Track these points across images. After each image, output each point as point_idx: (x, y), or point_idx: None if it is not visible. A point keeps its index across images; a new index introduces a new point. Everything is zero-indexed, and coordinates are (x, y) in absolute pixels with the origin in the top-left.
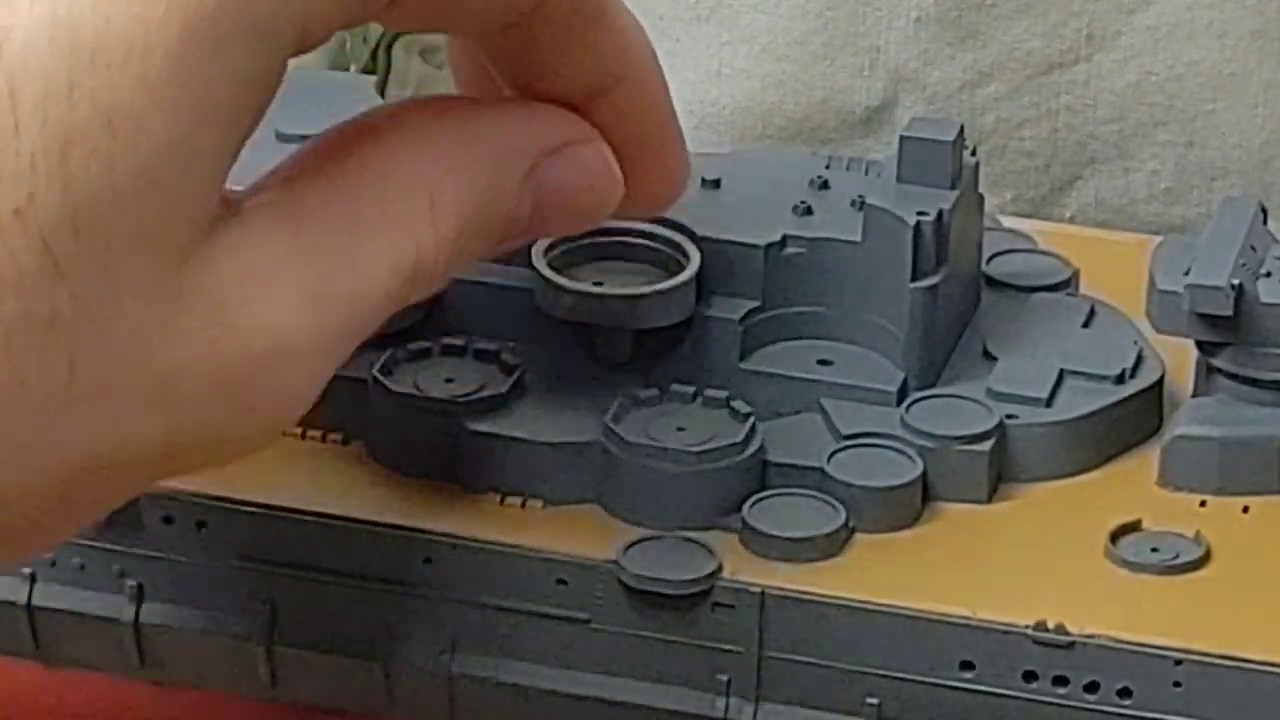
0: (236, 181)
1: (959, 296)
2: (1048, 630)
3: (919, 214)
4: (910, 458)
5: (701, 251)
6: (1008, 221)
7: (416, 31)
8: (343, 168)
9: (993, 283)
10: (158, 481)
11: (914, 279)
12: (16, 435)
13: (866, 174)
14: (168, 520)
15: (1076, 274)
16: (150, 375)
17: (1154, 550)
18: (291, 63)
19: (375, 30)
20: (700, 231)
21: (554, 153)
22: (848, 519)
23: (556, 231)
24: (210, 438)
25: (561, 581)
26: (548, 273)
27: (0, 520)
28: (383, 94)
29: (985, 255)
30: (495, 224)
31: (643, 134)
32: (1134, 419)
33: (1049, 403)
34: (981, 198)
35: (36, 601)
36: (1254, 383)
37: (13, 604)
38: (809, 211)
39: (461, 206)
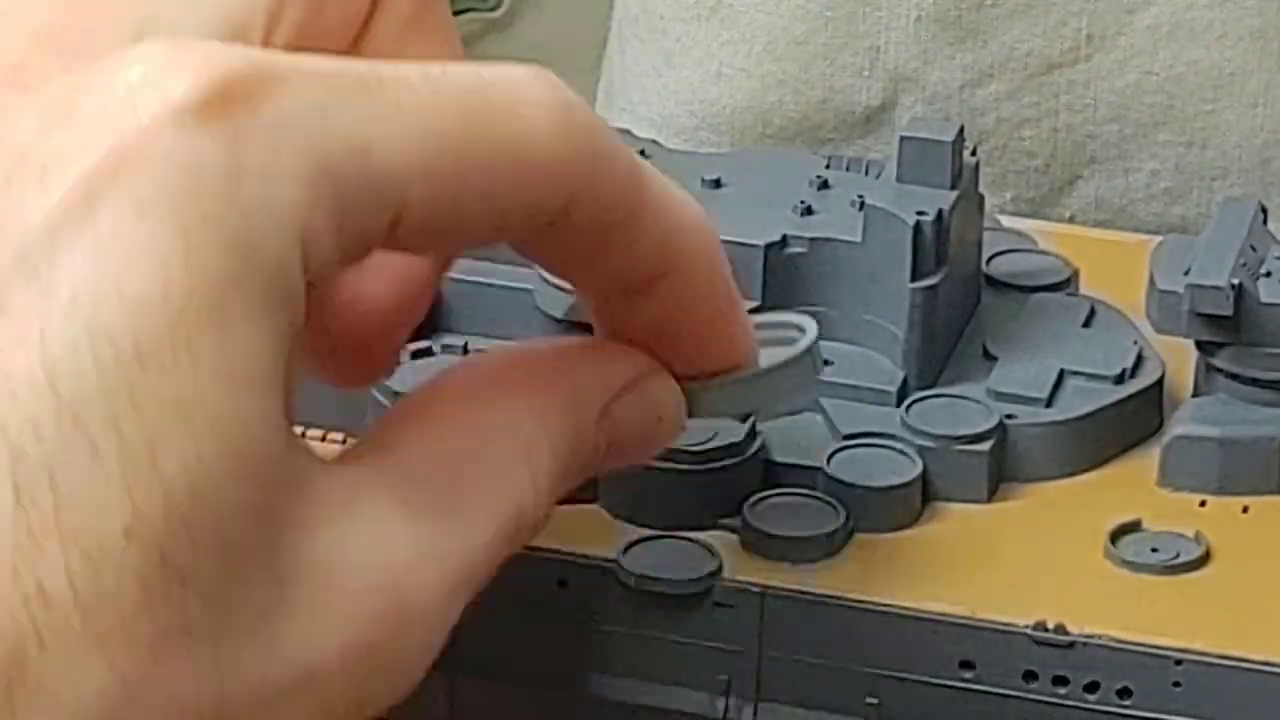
0: None
1: (959, 296)
2: (1048, 630)
3: (919, 214)
4: (910, 458)
5: None
6: (1007, 221)
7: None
8: (441, 432)
9: (992, 283)
10: None
11: (914, 279)
12: None
13: (866, 174)
14: None
15: (1076, 274)
16: (285, 656)
17: (1154, 550)
18: None
19: None
20: None
21: (626, 389)
22: (848, 519)
23: (629, 462)
24: (354, 700)
25: (562, 582)
26: (547, 273)
27: None
28: None
29: (985, 255)
30: (580, 465)
31: (695, 321)
32: (1134, 419)
33: (1049, 403)
34: (981, 198)
35: None
36: (1254, 383)
37: None
38: (809, 211)
39: (555, 461)
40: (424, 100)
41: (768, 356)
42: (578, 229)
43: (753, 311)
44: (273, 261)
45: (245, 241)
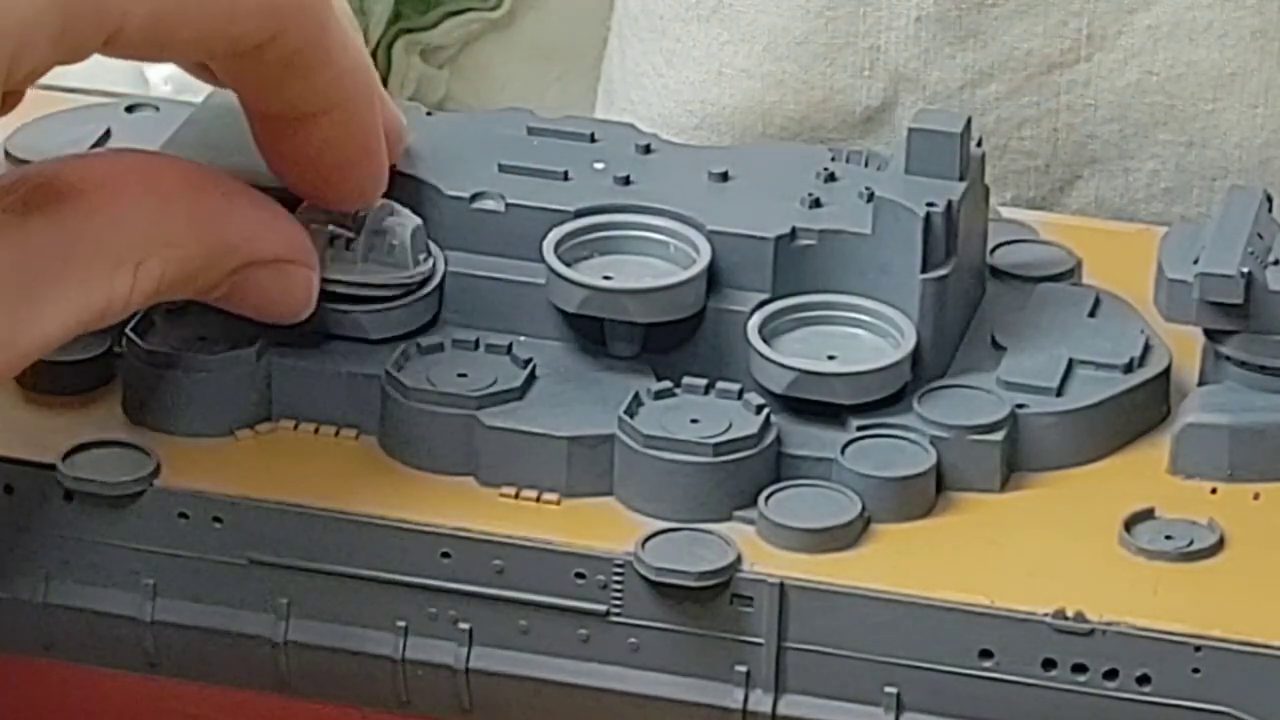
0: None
1: (967, 287)
2: (1067, 618)
3: (929, 205)
4: (923, 448)
5: (711, 245)
6: (1008, 213)
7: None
8: (75, 207)
9: (997, 273)
10: None
11: (924, 270)
12: None
13: (867, 165)
14: (182, 517)
15: (1080, 264)
16: None
17: (1168, 538)
18: None
19: (375, 30)
20: (710, 225)
21: (274, 262)
22: (863, 509)
23: (239, 312)
24: None
25: (579, 575)
26: (558, 266)
27: None
28: None
29: (989, 246)
30: (190, 290)
31: (345, 151)
32: (1143, 407)
33: (1059, 392)
34: (987, 189)
35: (51, 600)
36: (1263, 370)
37: (28, 602)
38: (817, 204)
39: (162, 280)
40: None
41: None
42: (271, 61)
43: (764, 304)
44: None
45: None
